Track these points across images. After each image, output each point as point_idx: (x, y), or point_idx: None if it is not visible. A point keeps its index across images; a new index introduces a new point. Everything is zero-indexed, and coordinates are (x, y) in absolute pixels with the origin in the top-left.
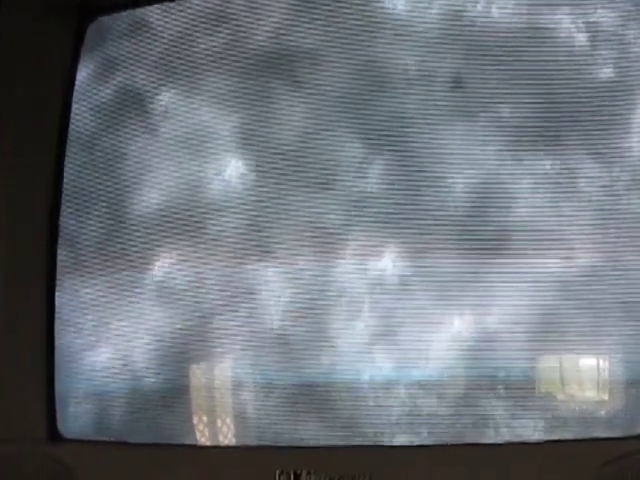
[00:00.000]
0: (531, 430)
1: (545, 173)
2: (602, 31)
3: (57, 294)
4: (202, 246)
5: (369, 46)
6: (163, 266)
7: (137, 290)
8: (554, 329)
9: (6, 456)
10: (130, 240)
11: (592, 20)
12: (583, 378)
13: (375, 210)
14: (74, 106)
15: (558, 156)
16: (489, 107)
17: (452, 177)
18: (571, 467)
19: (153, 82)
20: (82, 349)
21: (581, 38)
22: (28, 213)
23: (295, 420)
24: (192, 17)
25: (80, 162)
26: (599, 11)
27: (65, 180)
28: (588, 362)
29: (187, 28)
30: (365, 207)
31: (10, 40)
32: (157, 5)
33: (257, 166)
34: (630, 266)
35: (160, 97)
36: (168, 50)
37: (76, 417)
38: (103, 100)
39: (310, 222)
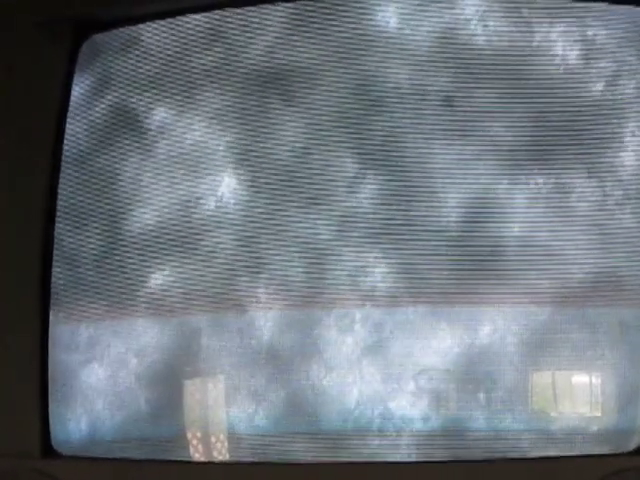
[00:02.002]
0: (523, 447)
1: (538, 190)
2: (595, 49)
3: (51, 311)
4: (196, 263)
5: (362, 64)
6: (157, 283)
7: (131, 307)
8: (547, 345)
9: (0, 472)
10: (125, 257)
11: (585, 38)
12: (576, 395)
13: (367, 226)
14: (69, 124)
15: (551, 173)
16: (482, 124)
17: (445, 194)
18: None
19: (148, 99)
20: (76, 365)
21: (574, 55)
22: (22, 229)
23: (285, 436)
24: (187, 34)
25: (75, 179)
26: (592, 29)
27: (60, 197)
28: (581, 379)
29: (182, 45)
30: (357, 223)
31: (3, 58)
32: (151, 23)
33: (250, 183)
34: (624, 283)
35: (155, 114)
36: (163, 67)
37: (70, 434)
38: (98, 118)
39: (302, 239)
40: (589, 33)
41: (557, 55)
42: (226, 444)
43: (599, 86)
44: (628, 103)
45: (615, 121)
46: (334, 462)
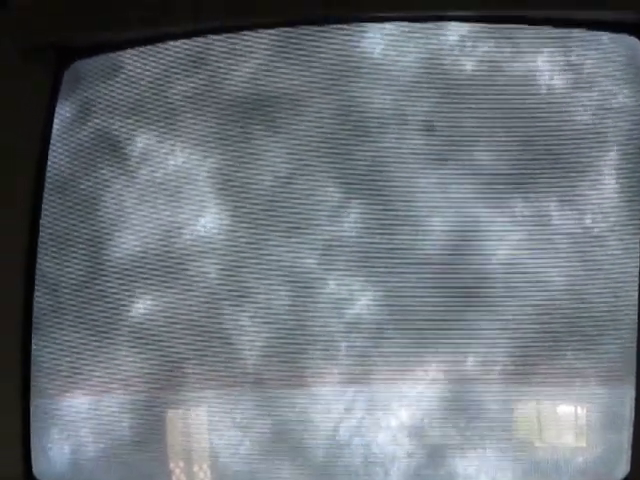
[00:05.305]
0: (507, 478)
1: (521, 217)
2: (579, 78)
3: (34, 338)
4: (179, 291)
5: (346, 91)
6: (140, 311)
7: (113, 335)
8: (531, 374)
9: None
10: (107, 285)
11: (568, 67)
12: (560, 426)
13: (351, 254)
14: (51, 151)
15: (534, 200)
16: (465, 151)
17: (429, 221)
18: None
19: (130, 126)
20: (59, 393)
21: (557, 85)
22: (5, 256)
23: (270, 466)
24: (169, 61)
25: (58, 207)
26: (575, 58)
27: (42, 225)
28: (565, 409)
29: (164, 72)
30: (341, 251)
31: None
32: (133, 49)
33: (234, 211)
34: (605, 313)
35: (137, 141)
36: (145, 94)
37: (52, 461)
38: (80, 145)
39: (286, 267)
40: (573, 60)
41: (542, 83)
42: (209, 473)
43: (584, 114)
44: (611, 131)
45: (598, 150)
46: None
